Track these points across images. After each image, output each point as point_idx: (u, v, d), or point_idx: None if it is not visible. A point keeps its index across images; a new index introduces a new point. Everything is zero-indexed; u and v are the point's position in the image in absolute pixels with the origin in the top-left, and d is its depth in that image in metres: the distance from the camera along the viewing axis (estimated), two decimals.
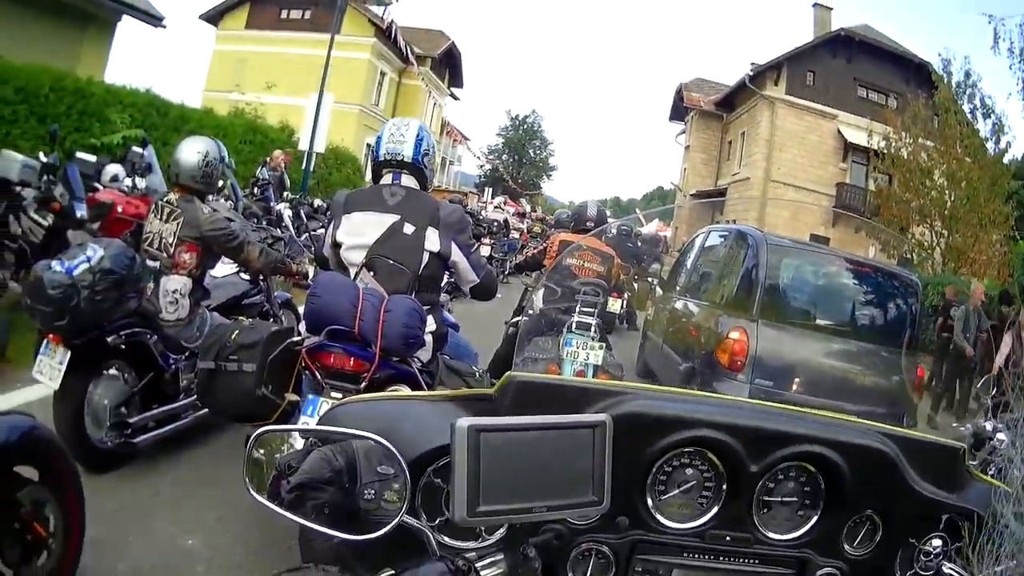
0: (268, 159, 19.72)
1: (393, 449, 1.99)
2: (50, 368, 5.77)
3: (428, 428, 2.19)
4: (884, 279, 9.34)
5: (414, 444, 2.15)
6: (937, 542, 2.50)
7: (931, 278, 25.33)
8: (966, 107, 32.27)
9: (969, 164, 30.55)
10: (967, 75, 32.41)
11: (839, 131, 46.30)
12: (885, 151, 33.88)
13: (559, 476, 1.95)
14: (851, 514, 2.48)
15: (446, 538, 2.16)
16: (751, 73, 49.14)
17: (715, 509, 2.42)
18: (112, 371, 6.22)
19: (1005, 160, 31.95)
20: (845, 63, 47.14)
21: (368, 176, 5.93)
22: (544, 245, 10.70)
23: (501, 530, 2.13)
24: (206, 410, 6.40)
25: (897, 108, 37.08)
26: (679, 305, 11.00)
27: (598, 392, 2.42)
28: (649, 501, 2.38)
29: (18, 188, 9.64)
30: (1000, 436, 5.74)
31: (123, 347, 6.11)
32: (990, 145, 31.72)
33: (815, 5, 51.95)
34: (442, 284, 5.51)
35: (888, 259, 24.02)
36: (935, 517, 2.50)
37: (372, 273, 4.80)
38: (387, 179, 5.14)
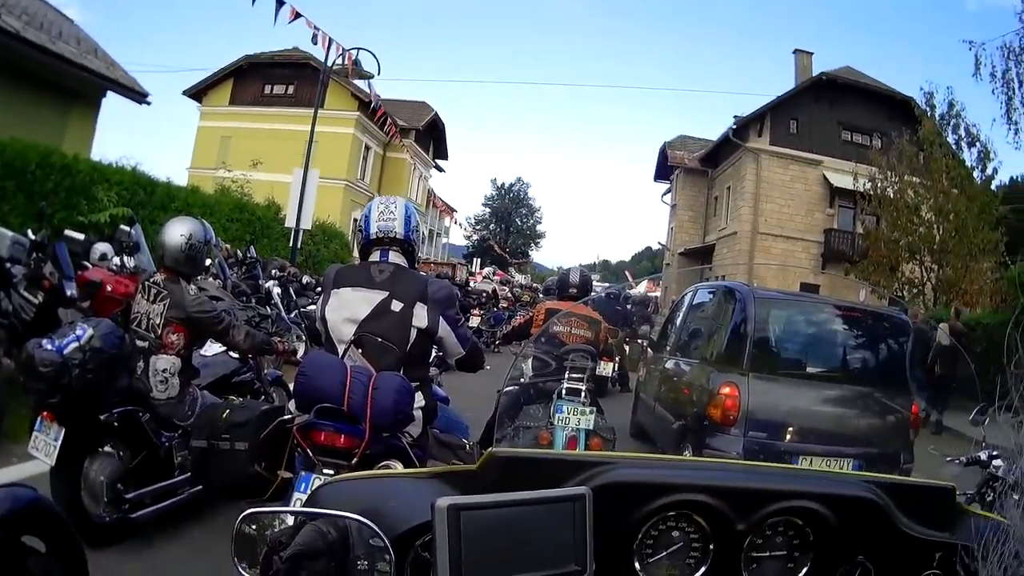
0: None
1: (376, 528, 2.03)
2: (45, 444, 5.81)
3: (412, 505, 2.21)
4: (873, 321, 9.41)
5: (399, 522, 2.17)
6: None
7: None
8: (951, 138, 32.32)
9: (956, 196, 30.51)
10: (950, 106, 32.50)
11: (824, 177, 46.36)
12: (871, 192, 33.94)
13: (541, 549, 1.99)
14: (841, 563, 2.49)
15: None
16: (735, 126, 49.21)
17: (703, 569, 2.45)
18: (107, 448, 6.22)
19: (992, 186, 31.98)
20: (828, 108, 47.12)
21: (356, 252, 5.96)
22: (531, 314, 10.73)
23: None
24: (201, 487, 6.41)
25: (882, 148, 36.99)
26: (670, 364, 11.09)
27: (579, 463, 2.45)
28: (636, 565, 2.40)
29: (8, 265, 9.64)
30: (996, 463, 5.75)
31: (116, 424, 6.13)
32: (977, 173, 31.70)
33: (795, 51, 52.00)
34: (431, 359, 5.52)
35: (878, 300, 24.01)
36: (928, 556, 2.50)
37: (360, 350, 4.81)
38: (375, 256, 5.16)
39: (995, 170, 31.99)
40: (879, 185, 33.21)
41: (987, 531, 2.37)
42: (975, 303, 28.99)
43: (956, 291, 29.30)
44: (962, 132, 32.27)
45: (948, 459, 6.21)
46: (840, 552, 2.49)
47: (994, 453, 5.83)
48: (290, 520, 2.24)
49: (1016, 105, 25.84)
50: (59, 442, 5.77)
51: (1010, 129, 26.13)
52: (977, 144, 31.94)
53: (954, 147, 32.06)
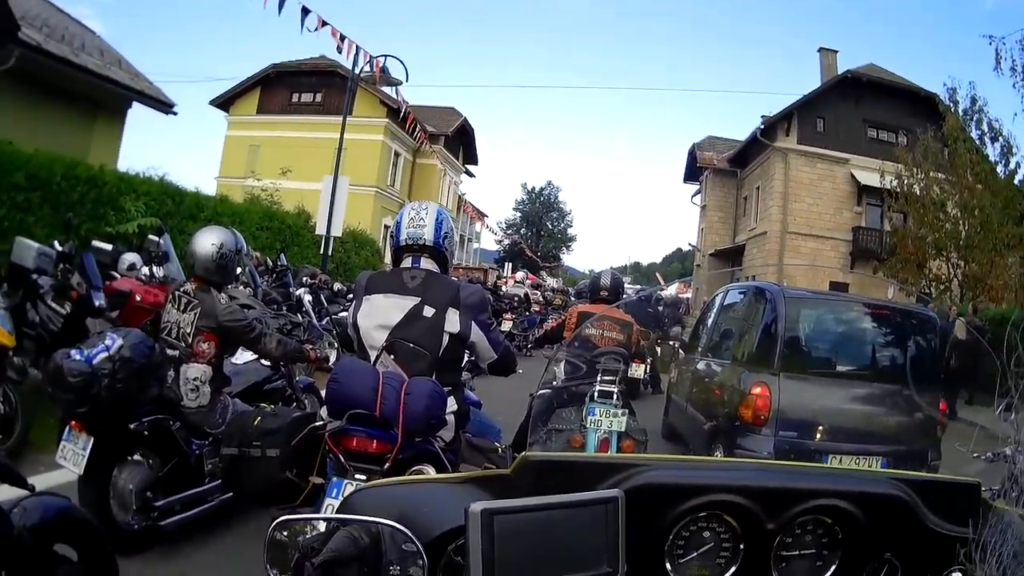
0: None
1: (409, 533, 2.03)
2: (73, 454, 5.84)
3: (445, 510, 2.21)
4: (901, 319, 9.37)
5: (432, 526, 2.17)
6: (957, 575, 2.49)
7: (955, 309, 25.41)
8: (974, 133, 32.36)
9: (981, 191, 30.65)
10: (973, 101, 32.50)
11: (852, 175, 46.19)
12: (898, 190, 33.97)
13: (574, 551, 1.99)
14: (869, 559, 2.49)
15: None
16: (762, 126, 48.98)
17: (733, 568, 2.44)
18: (136, 456, 6.26)
19: (1016, 180, 31.89)
20: (854, 105, 46.96)
21: (388, 259, 5.97)
22: (563, 318, 10.72)
23: None
24: (231, 494, 6.43)
25: (907, 144, 36.95)
26: (701, 365, 11.15)
27: (612, 466, 2.45)
28: (668, 565, 2.40)
29: (34, 276, 9.69)
30: (1021, 458, 5.72)
31: (146, 433, 6.17)
32: (1000, 168, 31.75)
33: (820, 50, 51.70)
34: (463, 363, 5.50)
35: (906, 297, 23.94)
36: (952, 551, 2.49)
37: (392, 356, 4.81)
38: (407, 262, 5.15)
39: (1018, 164, 31.96)
40: (905, 182, 33.25)
41: (1006, 525, 2.40)
42: (1001, 298, 28.96)
43: (982, 287, 29.27)
44: (985, 127, 32.35)
45: (975, 455, 6.16)
46: (868, 550, 2.49)
47: (1020, 448, 5.80)
48: (322, 526, 2.23)
49: None
50: (87, 451, 5.80)
51: None
52: (1000, 139, 31.97)
53: (977, 142, 32.11)
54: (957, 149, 31.55)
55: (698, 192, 65.64)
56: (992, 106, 32.13)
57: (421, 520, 2.18)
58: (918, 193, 32.60)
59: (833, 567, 2.50)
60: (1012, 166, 31.84)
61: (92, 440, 5.82)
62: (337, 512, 2.63)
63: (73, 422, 5.87)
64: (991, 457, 5.89)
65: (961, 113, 32.64)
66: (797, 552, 2.48)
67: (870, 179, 41.96)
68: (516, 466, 2.42)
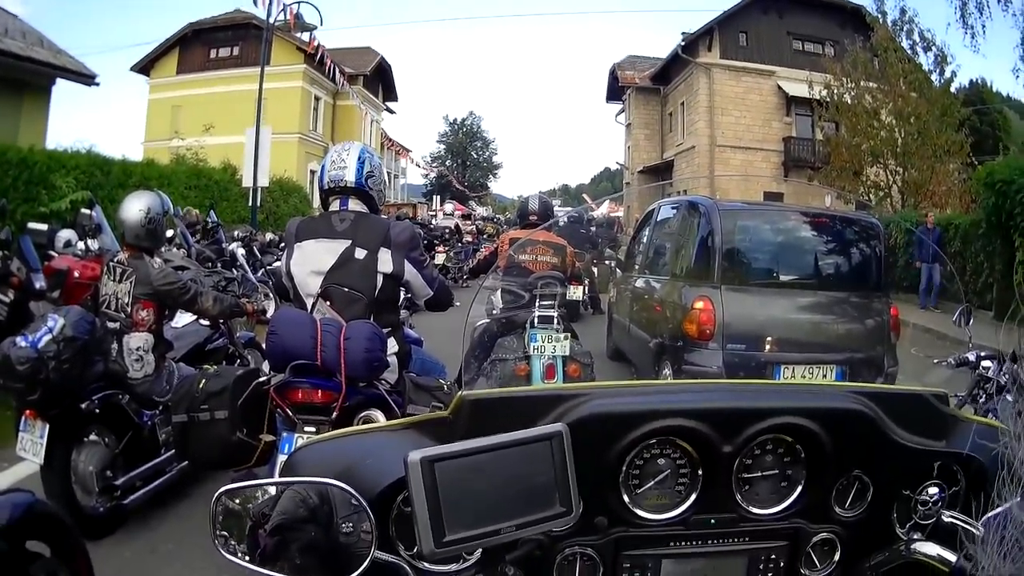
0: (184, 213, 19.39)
1: (351, 491, 1.96)
2: (32, 443, 5.78)
3: (388, 461, 2.14)
4: (843, 226, 9.36)
5: (376, 480, 2.12)
6: (933, 490, 2.45)
7: (892, 217, 25.60)
8: (905, 43, 32.66)
9: (916, 99, 30.92)
10: (902, 12, 32.88)
11: (779, 87, 46.74)
12: (828, 99, 34.30)
13: (523, 492, 1.93)
14: (837, 478, 2.43)
15: (427, 565, 2.13)
16: (683, 43, 49.46)
17: (694, 495, 2.37)
18: (92, 436, 6.20)
19: (952, 89, 32.41)
20: (777, 19, 47.52)
21: (317, 203, 5.91)
22: (496, 245, 10.68)
23: (479, 552, 2.13)
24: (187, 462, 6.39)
25: (835, 56, 37.28)
26: (640, 283, 11.11)
27: (553, 398, 2.36)
28: (625, 497, 2.33)
29: None
30: (985, 364, 5.70)
31: (97, 411, 6.10)
32: (935, 77, 32.11)
33: None
34: (400, 302, 5.51)
35: (845, 205, 24.12)
36: (927, 466, 2.45)
37: (328, 302, 4.81)
38: (335, 205, 5.12)
39: (953, 73, 32.55)
40: (835, 92, 33.53)
41: (984, 438, 2.30)
42: (944, 204, 29.27)
43: (924, 193, 29.54)
44: (916, 37, 32.74)
45: (936, 361, 6.12)
46: (834, 467, 2.41)
47: (983, 354, 5.76)
48: (272, 490, 2.16)
49: (971, 9, 25.93)
50: (45, 439, 5.75)
51: (966, 33, 26.23)
52: (933, 48, 32.39)
53: (909, 52, 32.34)
54: (888, 59, 31.90)
55: (622, 111, 66.38)
56: (923, 18, 32.50)
57: (365, 474, 2.14)
58: (849, 102, 32.95)
59: (800, 487, 2.44)
60: (947, 75, 32.39)
61: (48, 426, 5.77)
62: (281, 473, 2.56)
63: (28, 411, 5.82)
64: (954, 363, 5.88)
65: (890, 24, 33.01)
66: (760, 473, 2.41)
67: (798, 90, 42.48)
68: (454, 407, 2.33)
